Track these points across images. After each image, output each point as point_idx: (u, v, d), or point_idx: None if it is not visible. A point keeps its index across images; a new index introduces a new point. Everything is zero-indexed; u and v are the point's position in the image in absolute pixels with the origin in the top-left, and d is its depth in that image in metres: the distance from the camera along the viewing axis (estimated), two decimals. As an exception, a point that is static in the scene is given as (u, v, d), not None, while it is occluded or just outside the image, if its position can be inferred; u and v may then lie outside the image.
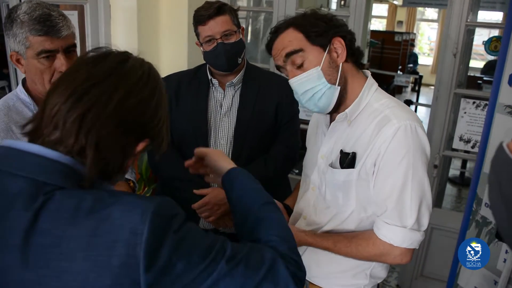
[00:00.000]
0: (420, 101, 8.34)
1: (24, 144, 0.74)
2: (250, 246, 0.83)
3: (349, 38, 1.24)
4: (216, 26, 1.65)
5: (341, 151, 1.26)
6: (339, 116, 1.27)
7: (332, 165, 1.28)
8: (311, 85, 1.21)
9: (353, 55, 1.25)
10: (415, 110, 7.52)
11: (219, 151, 1.22)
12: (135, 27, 2.54)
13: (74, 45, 1.37)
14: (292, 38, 1.21)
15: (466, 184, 5.02)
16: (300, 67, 1.21)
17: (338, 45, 1.22)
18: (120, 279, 0.67)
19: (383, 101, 1.25)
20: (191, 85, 1.81)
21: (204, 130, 1.76)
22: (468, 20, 2.43)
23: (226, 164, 1.12)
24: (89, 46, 2.45)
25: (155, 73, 0.84)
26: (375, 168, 1.19)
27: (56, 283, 0.67)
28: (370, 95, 1.26)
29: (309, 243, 1.31)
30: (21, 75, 1.77)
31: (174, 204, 0.76)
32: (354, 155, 1.23)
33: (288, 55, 1.21)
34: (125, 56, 0.81)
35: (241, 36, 1.74)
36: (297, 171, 3.38)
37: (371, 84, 1.28)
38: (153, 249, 0.68)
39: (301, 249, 1.41)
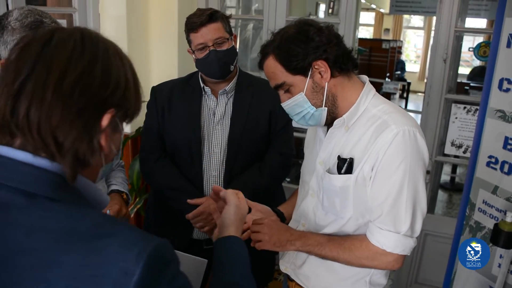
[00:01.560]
0: (409, 107, 8.43)
1: (9, 150, 0.68)
2: None
3: (333, 55, 1.21)
4: (208, 34, 1.64)
5: (339, 157, 1.25)
6: (336, 122, 1.27)
7: (329, 171, 1.28)
8: (299, 109, 1.25)
9: (342, 69, 1.23)
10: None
11: (244, 209, 1.15)
12: (124, 36, 2.52)
13: None
14: (273, 70, 1.24)
15: (457, 190, 5.07)
16: (288, 91, 1.25)
17: (320, 67, 1.21)
18: None
19: (381, 106, 1.24)
20: (184, 93, 1.79)
21: (198, 138, 1.74)
22: (457, 26, 2.45)
23: (234, 228, 1.06)
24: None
25: (91, 37, 0.72)
26: (372, 173, 1.19)
27: None
28: (368, 101, 1.26)
29: (303, 234, 1.31)
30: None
31: (171, 248, 0.71)
32: (351, 160, 1.22)
33: (275, 87, 1.27)
34: (49, 34, 0.71)
35: (233, 44, 1.72)
36: (288, 179, 3.36)
37: (369, 90, 1.28)
38: None
39: (300, 260, 1.41)
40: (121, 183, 1.59)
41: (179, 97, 1.78)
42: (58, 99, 0.66)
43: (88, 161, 0.71)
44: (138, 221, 2.64)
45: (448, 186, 5.27)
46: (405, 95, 9.33)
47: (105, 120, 0.70)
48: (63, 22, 2.32)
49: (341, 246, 1.26)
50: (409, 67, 12.23)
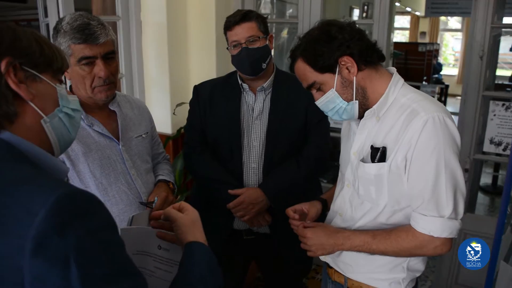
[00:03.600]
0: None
1: None
2: None
3: (358, 49, 1.26)
4: (241, 32, 1.73)
5: (372, 146, 1.29)
6: (367, 113, 1.31)
7: (363, 160, 1.32)
8: (332, 105, 1.32)
9: (368, 62, 1.29)
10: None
11: (191, 214, 1.06)
12: (165, 41, 2.64)
13: (113, 52, 1.45)
14: (303, 71, 1.32)
15: (499, 193, 4.91)
16: (320, 90, 1.32)
17: (347, 62, 1.27)
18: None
19: (409, 95, 1.28)
20: (224, 90, 1.88)
21: (237, 133, 1.82)
22: (494, 23, 2.43)
23: (190, 235, 0.99)
24: (121, 60, 2.56)
25: None
26: (407, 162, 1.22)
27: None
28: (396, 91, 1.30)
29: (347, 236, 1.34)
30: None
31: (92, 203, 0.70)
32: (384, 149, 1.26)
33: (307, 88, 1.34)
34: None
35: (267, 43, 1.80)
36: (325, 181, 3.39)
37: (397, 81, 1.32)
38: (47, 234, 0.62)
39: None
40: (167, 174, 1.69)
41: (220, 94, 1.87)
42: None
43: (7, 110, 0.76)
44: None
45: (490, 189, 5.12)
46: (443, 98, 9.12)
47: (3, 66, 0.75)
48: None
49: (387, 240, 1.28)
50: (447, 71, 11.97)
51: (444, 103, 8.66)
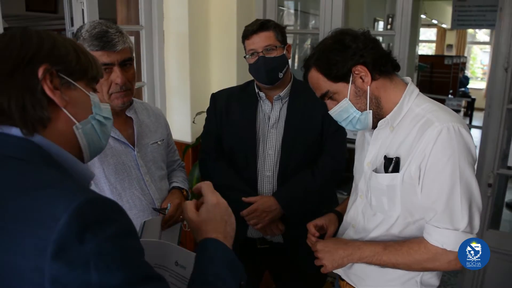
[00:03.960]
0: (473, 124, 8.07)
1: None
2: None
3: (371, 58, 1.25)
4: (259, 41, 1.75)
5: (385, 157, 1.27)
6: (380, 123, 1.30)
7: (376, 171, 1.30)
8: (346, 115, 1.30)
9: (382, 71, 1.27)
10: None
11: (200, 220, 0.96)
12: (186, 50, 2.67)
13: (131, 59, 1.48)
14: (316, 80, 1.31)
15: (527, 210, 4.76)
16: (333, 99, 1.31)
17: (361, 72, 1.25)
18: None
19: (424, 105, 1.26)
20: (241, 98, 1.90)
21: (253, 140, 1.82)
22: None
23: (210, 228, 0.94)
24: (144, 68, 2.61)
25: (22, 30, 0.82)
26: (421, 172, 1.19)
27: None
28: (411, 101, 1.27)
29: (357, 246, 1.32)
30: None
31: (114, 210, 0.71)
32: (397, 159, 1.24)
33: (321, 97, 1.34)
34: None
35: (284, 52, 1.80)
36: (345, 193, 3.35)
37: (412, 91, 1.30)
38: (68, 239, 0.63)
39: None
40: (181, 181, 1.71)
41: (236, 102, 1.89)
42: None
43: (41, 115, 0.78)
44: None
45: (517, 205, 4.95)
46: (469, 112, 8.93)
47: (40, 72, 0.78)
48: (131, 39, 2.51)
49: (399, 251, 1.25)
50: (475, 84, 11.73)
51: (470, 117, 8.49)
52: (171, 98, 2.80)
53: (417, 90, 1.31)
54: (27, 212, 0.67)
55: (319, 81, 1.31)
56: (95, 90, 0.91)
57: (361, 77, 1.26)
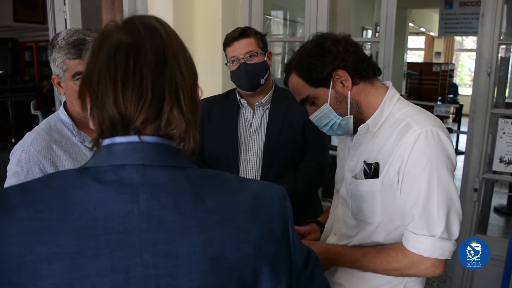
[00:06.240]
0: (462, 129, 8.14)
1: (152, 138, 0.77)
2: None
3: (352, 63, 1.23)
4: (240, 47, 1.76)
5: (365, 162, 1.25)
6: (360, 128, 1.28)
7: (356, 177, 1.28)
8: (327, 120, 1.29)
9: (363, 76, 1.26)
10: (457, 139, 7.36)
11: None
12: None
13: None
14: (297, 85, 1.29)
15: (515, 214, 4.79)
16: (314, 104, 1.29)
17: (341, 76, 1.24)
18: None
19: (404, 110, 1.24)
20: (223, 106, 1.89)
21: (234, 147, 1.82)
22: (501, 39, 2.40)
23: None
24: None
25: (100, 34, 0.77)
26: (399, 177, 1.17)
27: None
28: (392, 106, 1.26)
29: (338, 253, 1.30)
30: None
31: None
32: (376, 165, 1.22)
33: (301, 102, 1.32)
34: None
35: (265, 59, 1.81)
36: (331, 201, 3.33)
37: (392, 95, 1.28)
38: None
39: (332, 268, 1.39)
40: None
41: (218, 110, 1.89)
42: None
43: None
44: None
45: (505, 210, 4.98)
46: (457, 118, 9.03)
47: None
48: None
49: (377, 258, 1.23)
50: (463, 91, 11.85)
51: (459, 123, 8.56)
52: (156, 106, 2.78)
53: (397, 95, 1.29)
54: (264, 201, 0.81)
55: (299, 86, 1.28)
56: None
57: (341, 82, 1.24)
